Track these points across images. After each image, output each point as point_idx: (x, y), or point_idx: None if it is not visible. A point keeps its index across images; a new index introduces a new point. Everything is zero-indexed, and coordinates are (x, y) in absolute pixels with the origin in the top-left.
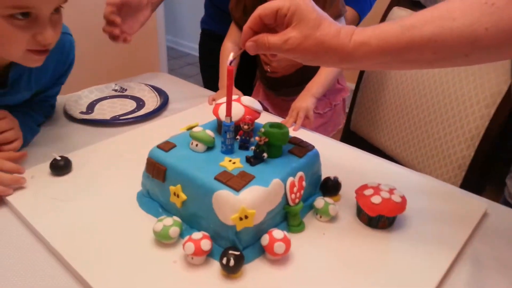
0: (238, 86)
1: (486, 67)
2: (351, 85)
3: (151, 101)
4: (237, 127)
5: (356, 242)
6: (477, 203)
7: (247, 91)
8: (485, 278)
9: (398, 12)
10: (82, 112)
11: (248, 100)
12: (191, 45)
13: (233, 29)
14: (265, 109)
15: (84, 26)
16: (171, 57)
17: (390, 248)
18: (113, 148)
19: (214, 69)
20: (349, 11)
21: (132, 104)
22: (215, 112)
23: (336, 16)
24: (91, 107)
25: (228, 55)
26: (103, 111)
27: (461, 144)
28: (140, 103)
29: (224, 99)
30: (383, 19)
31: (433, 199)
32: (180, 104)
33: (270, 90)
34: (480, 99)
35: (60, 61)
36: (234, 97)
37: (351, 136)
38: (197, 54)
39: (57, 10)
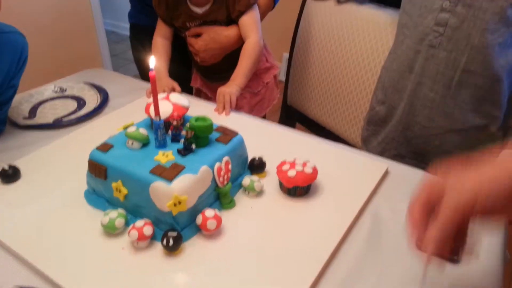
0: (175, 75)
1: None
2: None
3: (92, 99)
4: (167, 123)
5: (278, 211)
6: (379, 164)
7: (185, 80)
8: (384, 230)
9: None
10: (25, 118)
11: (175, 97)
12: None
13: (160, 25)
14: (205, 94)
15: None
16: (113, 41)
17: (305, 212)
18: (58, 151)
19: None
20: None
21: (73, 104)
22: (147, 111)
23: (247, 7)
24: (33, 111)
25: (159, 49)
26: (45, 114)
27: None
28: (80, 102)
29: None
30: (301, 9)
31: (342, 164)
32: (120, 99)
33: (205, 78)
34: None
35: (13, 59)
36: (162, 95)
37: (289, 110)
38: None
39: None
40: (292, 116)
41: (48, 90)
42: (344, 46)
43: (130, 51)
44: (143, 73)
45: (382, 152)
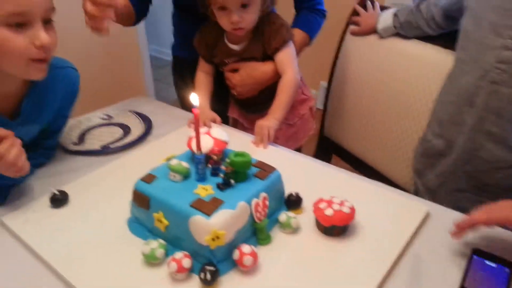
0: (215, 107)
1: None
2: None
3: (136, 127)
4: (208, 157)
5: (314, 250)
6: (419, 205)
7: (223, 111)
8: (424, 272)
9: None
10: (74, 144)
11: (216, 132)
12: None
13: (202, 61)
14: (241, 125)
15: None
16: (156, 66)
17: (343, 252)
18: (104, 178)
19: (188, 93)
20: (298, 34)
21: (119, 132)
22: (189, 145)
23: (282, 44)
24: (81, 137)
25: (202, 85)
26: (93, 141)
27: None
28: (126, 130)
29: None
30: (340, 42)
31: (381, 204)
32: (163, 128)
33: (242, 109)
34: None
35: (67, 92)
36: (204, 130)
37: (325, 141)
38: None
39: (48, 22)
40: (328, 147)
41: (96, 117)
42: (384, 80)
43: (171, 75)
44: (184, 103)
45: (441, 185)
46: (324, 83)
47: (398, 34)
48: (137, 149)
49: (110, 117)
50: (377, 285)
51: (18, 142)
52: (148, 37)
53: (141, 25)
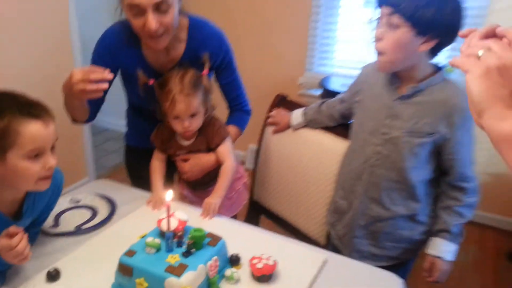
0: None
1: None
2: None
3: (102, 208)
4: (174, 234)
5: None
6: (318, 255)
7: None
8: None
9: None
10: (50, 227)
11: (179, 214)
12: (108, 120)
13: (157, 152)
14: (188, 199)
15: None
16: (92, 133)
17: None
18: (87, 254)
19: (142, 178)
20: (232, 129)
21: (88, 213)
22: (159, 224)
23: (222, 140)
24: (56, 220)
25: (157, 171)
26: (67, 223)
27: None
28: (94, 211)
29: (163, 215)
30: (266, 121)
31: (293, 256)
32: (125, 207)
33: (189, 187)
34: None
35: (54, 191)
36: (164, 213)
37: (255, 205)
38: (116, 128)
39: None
40: (257, 209)
41: (65, 201)
42: (298, 157)
43: (107, 142)
44: (135, 182)
45: (345, 233)
46: (252, 146)
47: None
48: (107, 227)
49: (78, 200)
50: None
51: (25, 236)
52: None
53: None
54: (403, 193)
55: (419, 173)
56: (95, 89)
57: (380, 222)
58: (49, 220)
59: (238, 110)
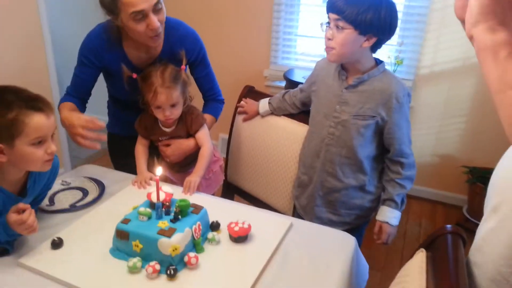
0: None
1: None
2: (219, 141)
3: (92, 189)
4: (162, 204)
5: (229, 251)
6: (287, 220)
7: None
8: (290, 262)
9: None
10: (47, 205)
11: (165, 188)
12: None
13: (140, 138)
14: (171, 180)
15: None
16: None
17: (245, 251)
18: (84, 226)
19: (127, 165)
20: (208, 117)
21: (79, 193)
22: (148, 196)
23: (200, 126)
24: (51, 199)
25: (141, 154)
26: (61, 202)
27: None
28: (84, 191)
29: (152, 188)
30: (235, 111)
31: (264, 222)
32: (113, 187)
33: (171, 169)
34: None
35: (52, 172)
36: (153, 187)
37: (229, 185)
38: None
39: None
40: (231, 189)
41: (57, 184)
42: (266, 141)
43: None
44: (117, 167)
45: (308, 204)
46: (223, 135)
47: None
48: (98, 205)
49: (68, 183)
50: (263, 265)
51: (33, 210)
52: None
53: (55, 86)
54: (353, 167)
55: (365, 150)
56: (95, 138)
57: (336, 192)
58: (45, 200)
59: (212, 100)
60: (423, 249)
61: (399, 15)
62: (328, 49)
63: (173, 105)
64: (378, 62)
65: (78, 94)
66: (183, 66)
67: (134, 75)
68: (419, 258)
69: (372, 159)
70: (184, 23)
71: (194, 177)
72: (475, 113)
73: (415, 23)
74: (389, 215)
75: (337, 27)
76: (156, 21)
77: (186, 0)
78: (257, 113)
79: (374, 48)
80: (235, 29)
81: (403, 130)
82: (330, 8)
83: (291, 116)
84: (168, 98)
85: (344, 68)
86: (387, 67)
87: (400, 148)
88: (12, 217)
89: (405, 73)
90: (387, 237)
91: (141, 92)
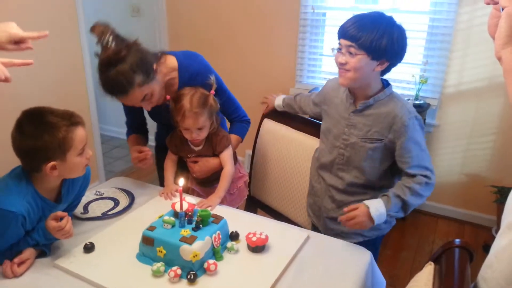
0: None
1: None
2: (245, 158)
3: (123, 199)
4: (185, 213)
5: (247, 260)
6: (302, 232)
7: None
8: (305, 272)
9: (268, 123)
10: (81, 213)
11: (189, 198)
12: (114, 129)
13: (170, 154)
14: (197, 193)
15: None
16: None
17: (262, 260)
18: (115, 233)
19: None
20: (234, 137)
21: (111, 203)
22: (173, 206)
23: (224, 148)
24: (85, 208)
25: (169, 168)
26: (94, 210)
27: None
28: (116, 201)
29: (176, 199)
30: (258, 129)
31: (281, 234)
32: (141, 198)
33: (198, 184)
34: None
35: (84, 181)
36: (176, 198)
37: (252, 199)
38: (121, 137)
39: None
40: (254, 203)
41: (91, 194)
42: (284, 156)
43: (114, 150)
44: (162, 177)
45: (319, 214)
46: (249, 151)
47: (295, 129)
48: (128, 214)
49: (101, 193)
50: (279, 274)
51: (70, 218)
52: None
53: (93, 106)
54: (362, 186)
55: (376, 171)
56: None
57: (345, 206)
58: (79, 208)
59: (238, 121)
60: (431, 262)
61: (423, 34)
62: (342, 72)
63: (199, 128)
64: (385, 84)
65: (131, 123)
66: (212, 92)
67: (168, 97)
68: (427, 271)
69: (383, 179)
70: (195, 55)
71: (214, 198)
72: (503, 132)
73: (439, 43)
74: (374, 203)
75: (350, 53)
76: (147, 107)
77: (210, 22)
78: (274, 107)
79: (384, 72)
80: (261, 48)
81: (411, 153)
82: (342, 35)
83: (310, 132)
84: (195, 122)
85: (351, 92)
86: (411, 86)
87: (408, 172)
88: (51, 223)
89: (430, 92)
90: (354, 216)
91: (172, 113)
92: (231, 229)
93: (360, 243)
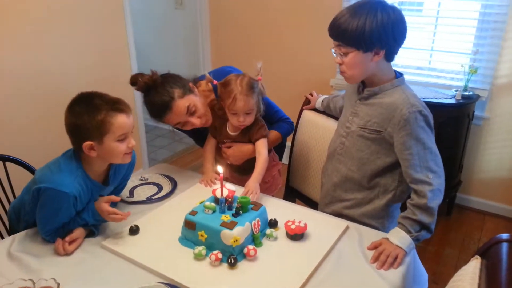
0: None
1: None
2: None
3: (166, 185)
4: (226, 199)
5: (285, 247)
6: (341, 222)
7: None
8: (344, 262)
9: (308, 114)
10: (127, 197)
11: (229, 185)
12: None
13: (209, 137)
14: (231, 181)
15: None
16: (145, 131)
17: (301, 248)
18: (159, 216)
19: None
20: (274, 133)
21: (155, 188)
22: (213, 192)
23: (260, 137)
24: (131, 192)
25: (208, 154)
26: (139, 195)
27: None
28: (159, 187)
29: (216, 186)
30: (298, 119)
31: (320, 223)
32: (183, 185)
33: (233, 172)
34: None
35: (129, 165)
36: (217, 185)
37: (291, 190)
38: (164, 126)
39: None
40: (293, 193)
41: (137, 179)
42: (319, 147)
43: (157, 139)
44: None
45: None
46: (288, 143)
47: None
48: (171, 199)
49: (146, 179)
50: (318, 263)
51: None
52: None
53: (138, 98)
54: (354, 182)
55: (370, 166)
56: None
57: (338, 203)
58: (126, 192)
59: (281, 121)
60: (478, 256)
61: (474, 22)
62: (341, 73)
63: (248, 113)
64: (398, 75)
65: (198, 136)
66: (259, 77)
67: (215, 82)
68: (473, 265)
69: (380, 177)
70: (227, 69)
71: (253, 182)
72: None
73: (491, 31)
74: (390, 232)
75: (341, 52)
76: (196, 123)
77: (251, 13)
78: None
79: (389, 57)
80: (301, 39)
81: (411, 151)
82: (330, 35)
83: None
84: (245, 105)
85: (362, 81)
86: (460, 76)
87: (408, 172)
88: (105, 206)
89: (480, 83)
90: (382, 250)
91: (220, 98)
92: (270, 217)
93: None
